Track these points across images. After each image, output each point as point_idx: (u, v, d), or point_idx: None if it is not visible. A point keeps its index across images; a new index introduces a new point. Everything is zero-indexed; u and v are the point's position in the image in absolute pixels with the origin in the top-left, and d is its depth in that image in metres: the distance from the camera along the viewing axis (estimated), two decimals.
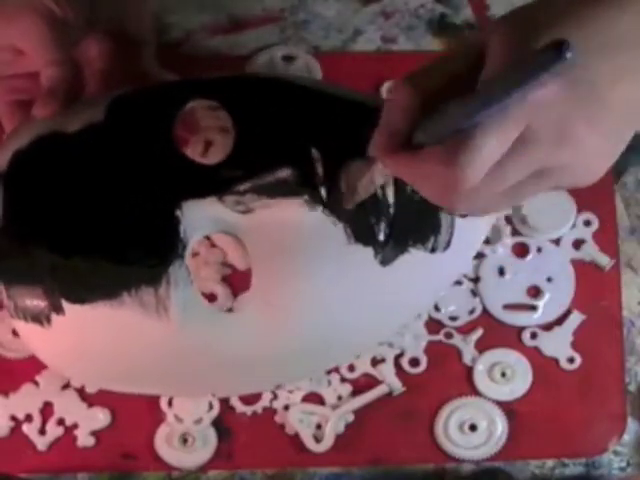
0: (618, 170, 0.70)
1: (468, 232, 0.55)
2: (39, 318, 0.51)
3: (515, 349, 0.67)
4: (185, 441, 0.65)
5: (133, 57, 0.60)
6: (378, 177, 0.46)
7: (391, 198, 0.52)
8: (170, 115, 0.52)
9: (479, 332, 0.67)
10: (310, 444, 0.66)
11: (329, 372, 0.66)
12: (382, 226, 0.52)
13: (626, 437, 0.68)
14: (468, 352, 0.67)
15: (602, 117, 0.41)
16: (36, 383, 0.66)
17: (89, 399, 0.66)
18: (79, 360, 0.54)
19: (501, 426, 0.66)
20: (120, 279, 0.49)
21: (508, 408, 0.67)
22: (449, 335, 0.67)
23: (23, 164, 0.52)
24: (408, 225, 0.52)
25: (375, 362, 0.67)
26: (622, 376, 0.67)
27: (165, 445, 0.66)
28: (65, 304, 0.50)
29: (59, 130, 0.52)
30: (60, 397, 0.66)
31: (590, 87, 0.40)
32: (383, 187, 0.51)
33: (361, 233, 0.52)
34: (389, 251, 0.53)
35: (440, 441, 0.66)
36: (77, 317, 0.50)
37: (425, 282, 0.57)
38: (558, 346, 0.67)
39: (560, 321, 0.68)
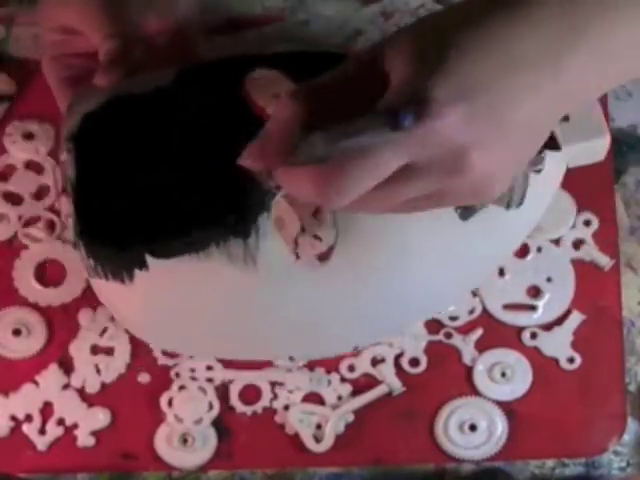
0: (618, 170, 0.70)
1: (539, 189, 0.55)
2: (121, 275, 0.50)
3: (515, 349, 0.67)
4: (185, 441, 0.65)
5: (187, 39, 0.60)
6: None
7: None
8: (237, 79, 0.52)
9: (479, 332, 0.67)
10: (310, 444, 0.66)
11: (329, 372, 0.66)
12: None
13: (626, 437, 0.68)
14: (468, 352, 0.67)
15: (496, 143, 0.40)
16: (36, 383, 0.66)
17: (89, 399, 0.66)
18: (158, 318, 0.53)
19: (501, 426, 0.66)
20: (208, 232, 0.49)
21: (508, 408, 0.67)
22: (449, 335, 0.67)
23: (94, 125, 0.52)
24: None
25: (375, 362, 0.67)
26: (622, 376, 0.67)
27: (165, 445, 0.66)
28: (149, 259, 0.50)
29: (128, 93, 0.52)
30: (60, 397, 0.66)
31: (488, 111, 0.39)
32: None
33: None
34: (468, 206, 0.52)
35: (440, 441, 0.66)
36: (161, 272, 0.50)
37: (501, 238, 0.56)
38: (558, 346, 0.67)
39: (560, 321, 0.68)
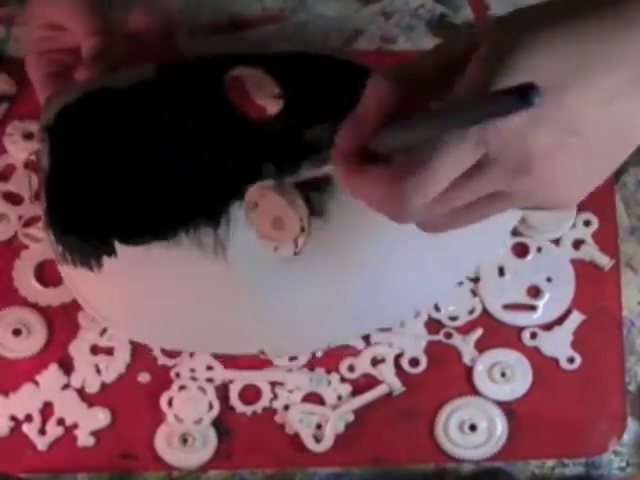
0: (618, 170, 0.70)
1: None
2: (89, 262, 0.50)
3: (515, 349, 0.67)
4: (185, 441, 0.65)
5: (170, 36, 0.61)
6: None
7: None
8: (218, 75, 0.52)
9: (479, 332, 0.67)
10: (310, 444, 0.66)
11: (329, 372, 0.66)
12: None
13: (626, 437, 0.68)
14: (468, 352, 0.67)
15: (573, 152, 0.38)
16: (36, 383, 0.66)
17: (89, 399, 0.66)
18: (127, 307, 0.53)
19: (501, 426, 0.66)
20: (178, 219, 0.49)
21: (508, 408, 0.67)
22: (449, 335, 0.67)
23: (70, 118, 0.52)
24: None
25: (375, 362, 0.67)
26: (622, 376, 0.67)
27: (165, 445, 0.66)
28: (118, 246, 0.49)
29: (108, 86, 0.52)
30: (60, 397, 0.66)
31: (566, 118, 0.37)
32: None
33: None
34: None
35: (440, 441, 0.66)
36: (130, 259, 0.49)
37: (470, 246, 0.56)
38: (558, 346, 0.67)
39: (560, 321, 0.68)
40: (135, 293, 0.51)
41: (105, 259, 0.49)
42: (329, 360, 0.66)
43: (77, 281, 0.52)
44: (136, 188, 0.49)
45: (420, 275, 0.54)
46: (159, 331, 0.57)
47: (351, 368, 0.67)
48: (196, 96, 0.51)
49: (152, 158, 0.50)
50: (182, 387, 0.66)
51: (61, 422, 0.66)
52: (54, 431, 0.65)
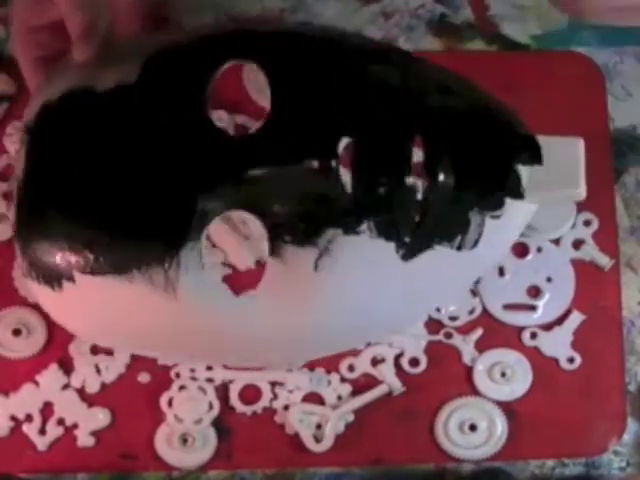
0: (618, 170, 0.71)
1: (499, 232, 0.53)
2: (50, 282, 0.50)
3: (515, 349, 0.67)
4: (185, 441, 0.65)
5: (161, 6, 0.60)
6: None
7: (420, 195, 0.51)
8: (204, 81, 0.50)
9: (479, 332, 0.67)
10: (310, 444, 0.66)
11: (329, 372, 0.66)
12: (407, 224, 0.50)
13: (626, 437, 0.68)
14: (468, 352, 0.67)
15: None
16: (36, 383, 0.66)
17: (89, 399, 0.66)
18: (87, 324, 0.53)
19: (501, 426, 0.66)
20: (131, 256, 0.48)
21: (508, 408, 0.67)
22: (449, 335, 0.67)
23: (50, 119, 0.51)
24: (435, 223, 0.51)
25: (375, 362, 0.67)
26: (622, 376, 0.67)
27: (165, 445, 0.66)
28: (76, 272, 0.49)
29: (90, 86, 0.51)
30: (60, 397, 0.66)
31: None
32: (412, 184, 0.50)
33: (383, 229, 0.50)
34: (412, 247, 0.51)
35: (440, 441, 0.66)
36: (87, 286, 0.49)
37: (448, 277, 0.55)
38: (558, 346, 0.67)
39: (560, 321, 0.68)
40: (92, 315, 0.52)
41: (65, 282, 0.49)
42: (329, 360, 0.66)
43: (41, 296, 0.52)
44: (101, 208, 0.49)
45: (385, 308, 0.54)
46: (119, 344, 0.59)
47: (351, 368, 0.67)
48: (174, 111, 0.50)
49: (121, 176, 0.49)
50: (182, 387, 0.66)
51: (61, 422, 0.66)
52: (54, 431, 0.65)
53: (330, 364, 0.67)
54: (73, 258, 0.49)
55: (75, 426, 0.66)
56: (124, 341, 0.56)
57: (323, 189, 0.49)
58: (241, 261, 0.66)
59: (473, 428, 0.66)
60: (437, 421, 0.66)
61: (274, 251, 0.49)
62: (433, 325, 0.67)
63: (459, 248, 0.51)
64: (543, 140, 0.53)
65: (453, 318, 0.67)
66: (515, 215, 0.53)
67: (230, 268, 0.67)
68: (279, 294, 0.50)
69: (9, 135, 0.68)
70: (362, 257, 0.50)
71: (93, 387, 0.66)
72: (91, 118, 0.50)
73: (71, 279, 0.49)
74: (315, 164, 0.48)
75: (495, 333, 0.67)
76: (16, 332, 0.66)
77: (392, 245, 0.50)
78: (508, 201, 0.51)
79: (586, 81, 0.71)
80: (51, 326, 0.66)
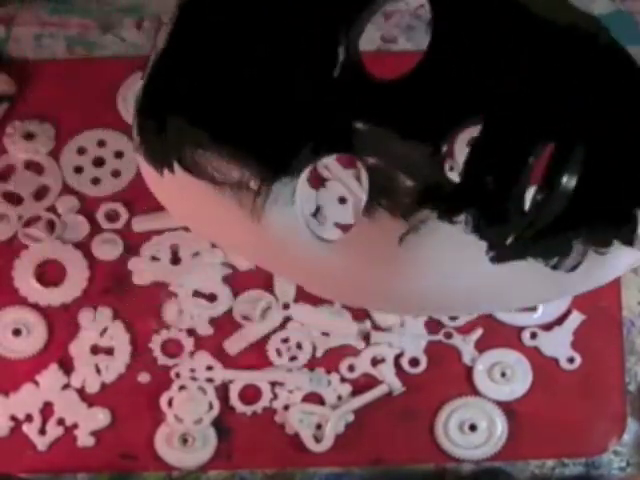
0: None
1: (599, 268, 0.50)
2: (154, 164, 0.49)
3: (515, 349, 0.67)
4: (185, 441, 0.65)
5: None
6: None
7: (530, 203, 0.47)
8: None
9: (479, 332, 0.67)
10: (310, 444, 0.66)
11: (329, 372, 0.66)
12: (509, 228, 0.47)
13: (626, 437, 0.68)
14: (468, 352, 0.67)
15: None
16: (36, 383, 0.66)
17: (89, 399, 0.66)
18: (180, 213, 0.53)
19: (501, 426, 0.66)
20: (228, 172, 0.47)
21: (508, 408, 0.67)
22: (449, 335, 0.67)
23: (201, 4, 0.48)
24: (538, 237, 0.48)
25: (375, 362, 0.67)
26: (622, 376, 0.67)
27: (165, 445, 0.66)
28: (176, 165, 0.48)
29: None
30: (60, 397, 0.66)
31: None
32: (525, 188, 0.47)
33: (481, 225, 0.47)
34: (505, 253, 0.48)
35: (440, 441, 0.66)
36: (184, 181, 0.48)
37: (530, 290, 0.51)
38: (558, 346, 0.67)
39: (560, 321, 0.68)
40: (184, 210, 0.51)
41: (165, 171, 0.48)
42: (329, 360, 0.66)
43: (144, 172, 0.50)
44: (219, 108, 0.47)
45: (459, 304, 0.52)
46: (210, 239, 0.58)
47: (351, 368, 0.67)
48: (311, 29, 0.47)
49: (257, 78, 0.47)
50: (182, 387, 0.66)
51: (61, 422, 0.66)
52: (54, 431, 0.66)
53: (330, 364, 0.67)
54: (175, 150, 0.48)
55: (75, 426, 0.66)
56: (210, 238, 0.54)
57: (431, 170, 0.47)
58: (241, 260, 0.66)
59: (473, 428, 0.66)
60: (437, 421, 0.66)
61: (368, 209, 0.48)
62: (433, 325, 0.67)
63: (554, 268, 0.49)
64: None
65: (453, 318, 0.67)
66: (621, 257, 0.49)
67: (230, 268, 0.67)
68: (358, 250, 0.49)
69: (9, 135, 0.68)
70: (450, 246, 0.47)
71: (93, 387, 0.66)
72: (242, 12, 0.48)
73: (171, 170, 0.48)
74: (429, 147, 0.47)
75: (495, 333, 0.67)
76: (16, 332, 0.66)
77: (484, 244, 0.47)
78: (617, 243, 0.48)
79: None
80: (51, 326, 0.66)
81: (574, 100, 0.45)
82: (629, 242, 0.48)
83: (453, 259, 0.48)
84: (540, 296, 0.53)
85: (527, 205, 0.47)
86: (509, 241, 0.47)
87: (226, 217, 0.48)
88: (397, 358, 0.67)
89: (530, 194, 0.46)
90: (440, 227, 0.46)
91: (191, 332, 0.67)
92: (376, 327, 0.67)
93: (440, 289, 0.49)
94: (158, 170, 0.49)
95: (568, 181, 0.46)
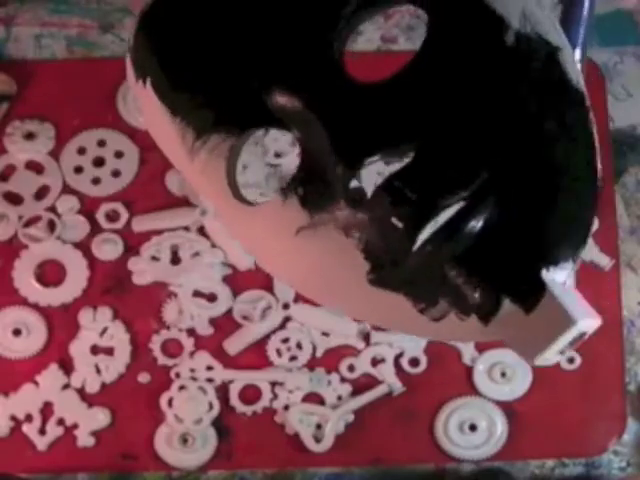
0: (618, 170, 0.70)
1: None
2: (135, 74, 0.50)
3: None
4: (185, 441, 0.65)
5: None
6: None
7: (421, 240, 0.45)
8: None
9: None
10: (310, 444, 0.66)
11: (329, 372, 0.66)
12: (390, 256, 0.45)
13: (626, 437, 0.68)
14: (468, 352, 0.67)
15: None
16: (36, 383, 0.66)
17: (89, 399, 0.66)
18: (147, 121, 0.52)
19: (501, 426, 0.66)
20: (181, 110, 0.48)
21: (508, 408, 0.67)
22: None
23: None
24: (412, 277, 0.45)
25: (375, 362, 0.67)
26: (622, 376, 0.67)
27: (165, 445, 0.66)
28: (148, 83, 0.49)
29: None
30: (60, 397, 0.66)
31: None
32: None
33: (371, 249, 0.46)
34: (382, 280, 0.46)
35: (440, 441, 0.66)
36: (150, 97, 0.49)
37: (402, 324, 0.49)
38: None
39: None
40: (152, 129, 0.51)
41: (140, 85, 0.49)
42: (329, 360, 0.66)
43: (135, 89, 0.50)
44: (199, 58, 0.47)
45: None
46: None
47: (351, 368, 0.67)
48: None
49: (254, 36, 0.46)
50: (182, 387, 0.66)
51: (61, 422, 0.66)
52: (54, 431, 0.65)
53: (330, 364, 0.67)
54: (145, 73, 0.49)
55: (75, 426, 0.66)
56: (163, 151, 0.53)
57: (341, 185, 0.45)
58: (240, 260, 0.66)
59: (473, 428, 0.66)
60: (437, 421, 0.66)
61: (284, 191, 0.47)
62: None
63: (421, 312, 0.46)
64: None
65: None
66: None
67: (230, 268, 0.67)
68: (265, 224, 0.48)
69: (9, 135, 0.68)
70: (337, 256, 0.46)
71: (93, 387, 0.66)
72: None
73: (144, 84, 0.49)
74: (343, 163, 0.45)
75: None
76: (16, 332, 0.66)
77: (367, 265, 0.46)
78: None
79: (586, 81, 0.71)
80: (51, 326, 0.66)
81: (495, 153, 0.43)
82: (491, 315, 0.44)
83: (337, 269, 0.47)
84: (408, 330, 0.51)
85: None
86: (385, 271, 0.45)
87: (173, 143, 0.48)
88: (397, 358, 0.67)
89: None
90: (335, 235, 0.46)
91: (191, 332, 0.67)
92: (376, 327, 0.67)
93: (321, 292, 0.49)
94: (137, 78, 0.49)
95: (456, 246, 0.43)
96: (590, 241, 0.68)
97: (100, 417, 0.66)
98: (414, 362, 0.67)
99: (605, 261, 0.68)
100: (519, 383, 0.67)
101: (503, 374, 0.67)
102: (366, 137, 0.43)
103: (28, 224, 0.67)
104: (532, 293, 0.41)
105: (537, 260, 0.41)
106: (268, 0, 0.46)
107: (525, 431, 0.67)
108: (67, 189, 0.68)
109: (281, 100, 0.45)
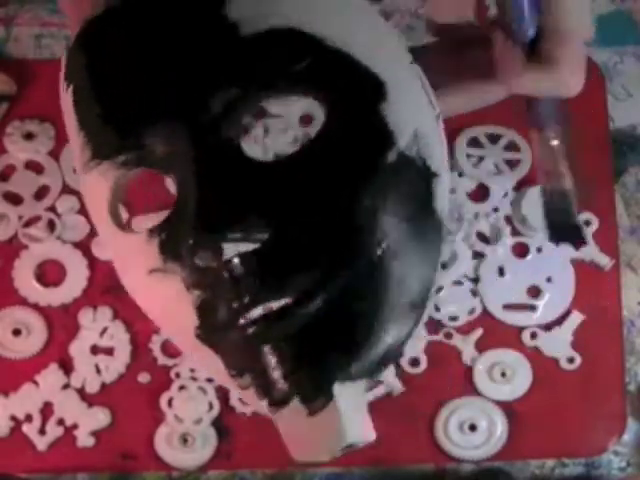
0: (618, 170, 0.70)
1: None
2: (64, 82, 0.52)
3: (515, 349, 0.67)
4: (185, 441, 0.65)
5: None
6: None
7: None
8: None
9: (479, 332, 0.67)
10: None
11: None
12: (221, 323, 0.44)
13: (626, 437, 0.68)
14: (468, 352, 0.67)
15: None
16: (36, 383, 0.66)
17: (89, 399, 0.66)
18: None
19: (501, 426, 0.66)
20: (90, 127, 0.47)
21: (508, 408, 0.67)
22: (449, 335, 0.67)
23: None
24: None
25: None
26: (622, 376, 0.67)
27: (165, 445, 0.66)
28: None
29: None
30: (60, 397, 0.66)
31: None
32: None
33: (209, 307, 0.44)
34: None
35: (440, 441, 0.66)
36: (67, 102, 0.51)
37: None
38: (558, 346, 0.67)
39: (560, 321, 0.68)
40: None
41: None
42: None
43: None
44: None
45: None
46: None
47: None
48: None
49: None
50: (182, 387, 0.66)
51: (61, 422, 0.66)
52: (54, 431, 0.65)
53: None
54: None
55: (75, 426, 0.66)
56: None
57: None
58: None
59: (473, 428, 0.66)
60: (437, 421, 0.66)
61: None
62: (433, 325, 0.67)
63: (232, 377, 0.46)
64: None
65: (453, 318, 0.67)
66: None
67: None
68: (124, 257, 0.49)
69: (9, 135, 0.68)
70: (172, 299, 0.45)
71: (93, 387, 0.66)
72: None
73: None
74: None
75: (495, 333, 0.67)
76: (16, 332, 0.66)
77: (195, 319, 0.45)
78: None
79: (586, 81, 0.71)
80: (51, 326, 0.66)
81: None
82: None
83: (174, 315, 0.46)
84: (225, 385, 0.50)
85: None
86: (210, 332, 0.44)
87: (75, 147, 0.48)
88: None
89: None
90: (179, 286, 0.44)
91: None
92: None
93: (164, 330, 0.49)
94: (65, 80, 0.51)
95: (277, 334, 0.42)
96: (590, 241, 0.68)
97: (100, 417, 0.66)
98: (414, 362, 0.67)
99: (605, 261, 0.68)
100: (519, 383, 0.67)
101: (503, 374, 0.67)
102: (233, 208, 0.42)
103: (28, 224, 0.67)
104: (320, 401, 0.43)
105: (335, 371, 0.42)
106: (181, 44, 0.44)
107: (525, 431, 0.67)
108: (67, 189, 0.68)
109: (164, 147, 0.44)
